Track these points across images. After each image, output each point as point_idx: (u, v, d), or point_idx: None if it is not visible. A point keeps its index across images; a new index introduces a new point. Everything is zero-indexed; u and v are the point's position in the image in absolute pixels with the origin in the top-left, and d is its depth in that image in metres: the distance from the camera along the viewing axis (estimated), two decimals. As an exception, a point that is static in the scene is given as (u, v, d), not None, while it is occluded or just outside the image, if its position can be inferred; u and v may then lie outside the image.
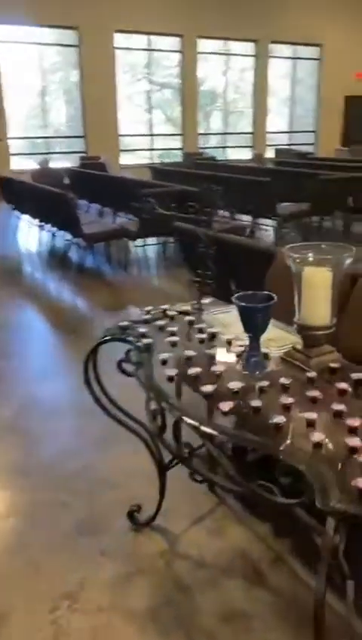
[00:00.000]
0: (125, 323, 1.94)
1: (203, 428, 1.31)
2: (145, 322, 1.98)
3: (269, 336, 1.64)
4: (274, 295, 1.52)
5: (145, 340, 1.78)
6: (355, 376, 1.49)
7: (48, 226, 7.29)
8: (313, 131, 16.32)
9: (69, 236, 6.73)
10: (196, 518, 2.26)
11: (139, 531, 2.19)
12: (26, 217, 8.17)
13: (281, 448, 1.21)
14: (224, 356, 1.67)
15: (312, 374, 1.50)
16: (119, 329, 1.92)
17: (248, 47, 14.57)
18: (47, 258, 7.12)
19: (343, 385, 1.44)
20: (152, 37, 13.06)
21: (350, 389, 1.44)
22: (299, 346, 1.63)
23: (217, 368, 1.55)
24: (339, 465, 1.16)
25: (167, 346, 1.78)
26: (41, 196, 6.75)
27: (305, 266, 1.54)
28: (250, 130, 15.32)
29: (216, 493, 2.37)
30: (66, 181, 8.90)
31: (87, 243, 6.31)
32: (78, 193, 7.56)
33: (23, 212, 8.00)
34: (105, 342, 1.95)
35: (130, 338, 1.85)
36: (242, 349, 1.68)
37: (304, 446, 1.22)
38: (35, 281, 6.40)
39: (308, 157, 11.81)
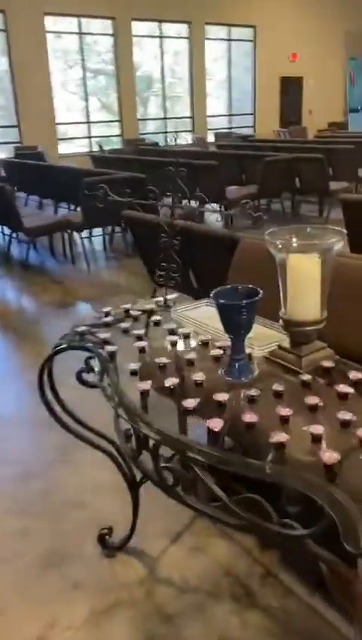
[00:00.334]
0: (83, 327, 1.70)
1: (192, 455, 1.09)
2: (106, 325, 1.75)
3: (248, 333, 1.43)
4: (259, 289, 1.31)
5: (109, 348, 1.55)
6: (354, 376, 1.31)
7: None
8: (251, 114, 16.24)
9: (8, 231, 6.34)
10: (174, 535, 2.06)
11: (113, 557, 1.97)
12: None
13: (291, 476, 1.01)
14: (202, 361, 1.46)
15: (307, 377, 1.32)
16: (77, 335, 1.68)
17: (182, 30, 14.28)
18: (-14, 256, 6.72)
19: (344, 388, 1.26)
20: (83, 20, 12.56)
21: (351, 391, 1.26)
22: (286, 344, 1.44)
23: (197, 377, 1.34)
24: None
25: (135, 353, 1.56)
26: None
27: (290, 254, 1.35)
28: (188, 114, 15.07)
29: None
30: (1, 173, 8.43)
31: (29, 237, 5.95)
32: (15, 185, 7.15)
33: None
34: (62, 351, 1.71)
35: (91, 345, 1.62)
36: (222, 351, 1.48)
37: (314, 468, 1.02)
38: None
39: (250, 139, 11.70)
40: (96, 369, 1.60)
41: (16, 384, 3.34)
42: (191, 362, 1.45)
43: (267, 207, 7.77)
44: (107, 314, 1.82)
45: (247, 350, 1.43)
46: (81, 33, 12.74)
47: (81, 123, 13.31)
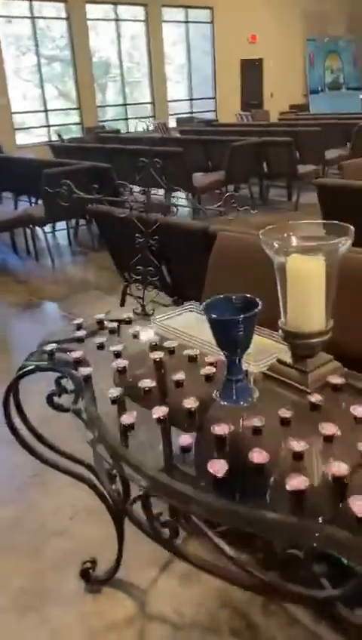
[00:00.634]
0: (51, 346, 1.49)
1: (197, 511, 0.91)
2: (78, 341, 1.54)
3: (247, 349, 1.25)
4: (257, 300, 1.12)
5: (83, 370, 1.34)
6: (369, 393, 1.15)
7: None
8: (213, 98, 15.98)
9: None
10: (163, 562, 1.87)
11: (99, 592, 1.79)
12: None
13: (320, 535, 0.83)
14: (192, 382, 1.27)
15: (317, 399, 1.14)
16: (45, 355, 1.47)
17: (138, 12, 13.89)
18: None
19: (360, 410, 1.08)
20: (35, 3, 12.06)
21: (370, 414, 1.09)
22: (287, 358, 1.26)
23: (189, 403, 1.15)
24: None
25: (113, 373, 1.36)
26: None
27: (289, 255, 1.16)
28: (149, 100, 14.74)
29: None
30: None
31: (-12, 234, 5.65)
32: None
33: None
34: (28, 373, 1.49)
35: (62, 368, 1.41)
36: (213, 369, 1.29)
37: (342, 520, 0.85)
38: None
39: (214, 124, 11.47)
40: (69, 388, 1.41)
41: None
42: (179, 384, 1.26)
43: (235, 194, 7.58)
44: (79, 327, 1.61)
45: (243, 366, 1.24)
46: (33, 17, 12.24)
47: (38, 112, 12.85)
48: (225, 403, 1.17)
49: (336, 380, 1.20)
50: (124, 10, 13.70)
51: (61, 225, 6.43)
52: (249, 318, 1.09)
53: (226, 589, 1.76)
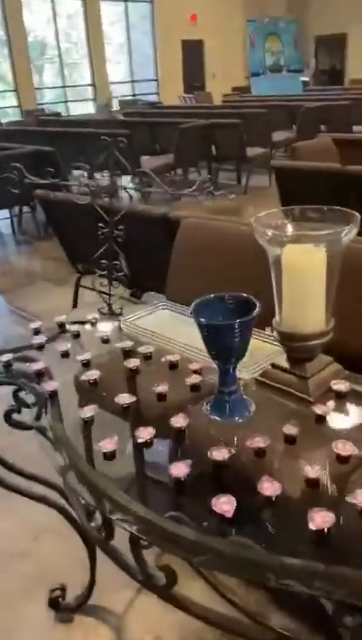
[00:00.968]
0: (7, 356, 1.29)
1: (202, 560, 0.75)
2: (39, 348, 1.35)
3: (243, 358, 1.09)
4: (255, 300, 0.97)
5: (48, 385, 1.16)
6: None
7: None
8: (155, 80, 15.65)
9: None
10: (140, 582, 1.72)
11: (70, 621, 1.62)
12: None
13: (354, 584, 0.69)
14: (176, 393, 1.11)
15: (323, 411, 1.00)
16: (2, 368, 1.27)
17: (75, -11, 13.38)
18: None
19: (375, 422, 0.95)
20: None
21: (384, 426, 0.96)
22: (283, 362, 1.11)
23: (177, 422, 0.99)
24: None
25: (84, 387, 1.18)
26: None
27: (285, 246, 1.01)
28: (89, 81, 14.27)
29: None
30: None
31: None
32: None
33: None
34: (-18, 389, 1.29)
35: (22, 381, 1.22)
36: (200, 377, 1.13)
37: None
38: None
39: (158, 106, 11.21)
40: (30, 401, 1.22)
41: None
42: (162, 396, 1.10)
43: (183, 178, 7.40)
44: (37, 331, 1.41)
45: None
46: None
47: (-29, 94, 12.23)
48: (218, 418, 1.02)
49: (340, 386, 1.07)
50: (59, -13, 13.16)
51: (3, 213, 6.08)
52: (246, 323, 0.93)
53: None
